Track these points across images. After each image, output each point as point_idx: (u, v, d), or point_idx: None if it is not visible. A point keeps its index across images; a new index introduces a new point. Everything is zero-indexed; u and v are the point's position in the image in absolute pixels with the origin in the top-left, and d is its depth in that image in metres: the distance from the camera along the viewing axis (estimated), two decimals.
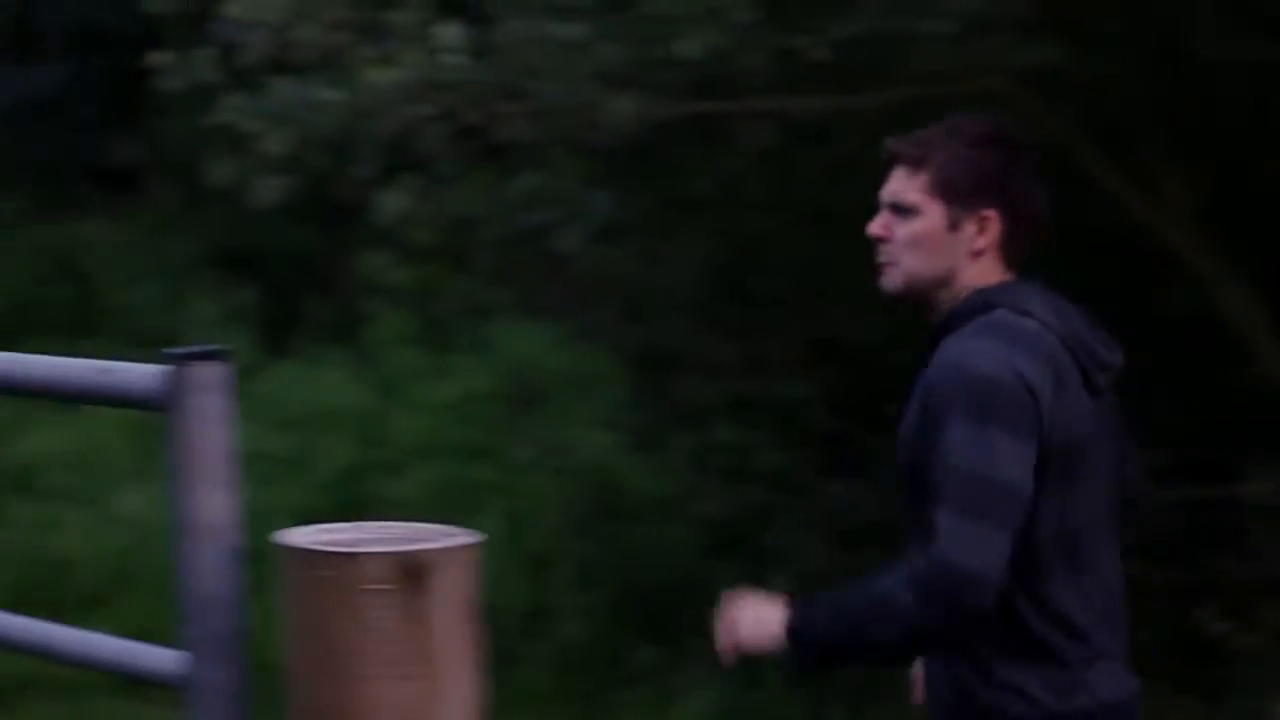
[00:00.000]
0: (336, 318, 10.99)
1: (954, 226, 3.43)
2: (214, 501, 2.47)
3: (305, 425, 9.64)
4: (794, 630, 3.31)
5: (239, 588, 2.56)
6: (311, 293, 11.50)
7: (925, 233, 3.44)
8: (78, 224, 12.18)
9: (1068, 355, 3.31)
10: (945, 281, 3.44)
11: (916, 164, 3.45)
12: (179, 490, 2.47)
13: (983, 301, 3.38)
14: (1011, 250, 3.42)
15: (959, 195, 3.41)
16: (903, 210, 3.45)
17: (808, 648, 3.32)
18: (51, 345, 9.87)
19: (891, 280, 3.48)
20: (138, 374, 2.46)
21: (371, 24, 5.18)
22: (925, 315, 3.50)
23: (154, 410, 2.45)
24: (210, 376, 2.41)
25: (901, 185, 3.46)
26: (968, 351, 3.28)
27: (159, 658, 2.73)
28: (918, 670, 3.60)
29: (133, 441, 9.71)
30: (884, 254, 3.49)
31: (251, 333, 10.89)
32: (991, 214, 3.39)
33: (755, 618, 3.36)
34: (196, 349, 2.39)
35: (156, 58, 4.12)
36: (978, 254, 3.41)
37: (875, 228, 3.51)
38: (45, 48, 12.47)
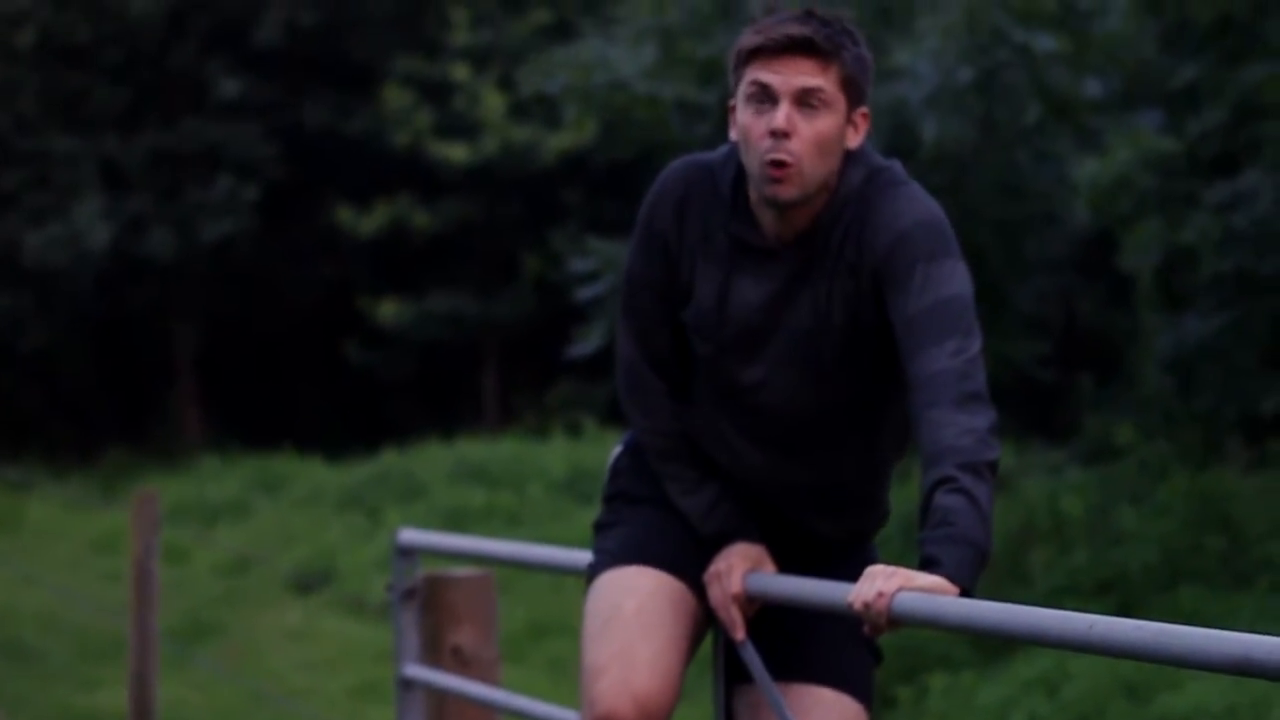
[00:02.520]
0: None
1: (844, 125, 3.32)
2: None
3: None
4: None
5: None
6: None
7: (830, 132, 3.25)
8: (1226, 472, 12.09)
9: None
10: (826, 184, 3.33)
11: (828, 57, 3.29)
12: None
13: (866, 170, 3.35)
14: None
15: (857, 95, 3.33)
16: (813, 105, 3.23)
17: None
18: (1204, 596, 9.87)
19: (791, 190, 3.27)
20: None
21: None
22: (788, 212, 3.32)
23: None
24: None
25: (817, 78, 3.29)
26: (912, 203, 3.31)
27: None
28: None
29: None
30: (785, 151, 3.23)
31: None
32: (866, 113, 3.34)
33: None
34: None
35: None
36: (849, 153, 3.35)
37: (780, 121, 3.22)
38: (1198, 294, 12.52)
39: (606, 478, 3.77)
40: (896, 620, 3.07)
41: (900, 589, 3.06)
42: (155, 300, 23.60)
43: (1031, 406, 14.34)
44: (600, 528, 3.70)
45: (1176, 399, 12.44)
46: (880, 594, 3.07)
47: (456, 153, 21.38)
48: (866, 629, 3.14)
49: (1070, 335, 14.43)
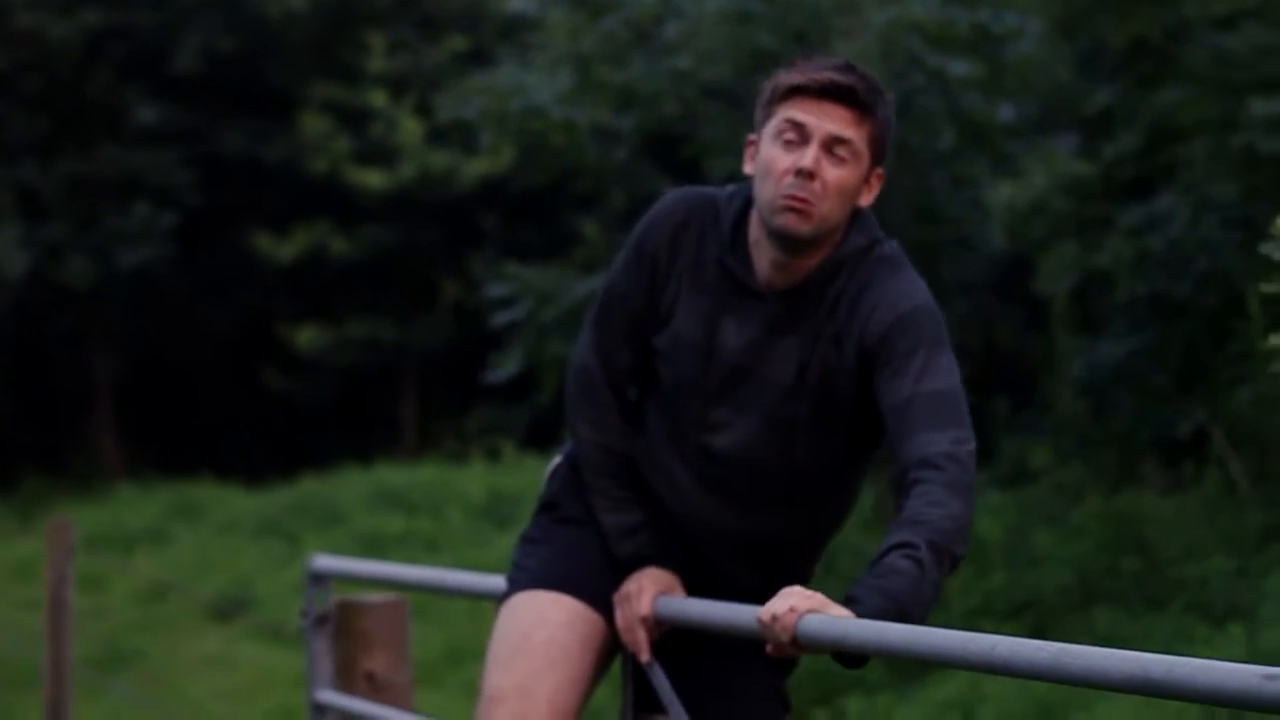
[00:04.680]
0: None
1: (863, 181, 3.36)
2: None
3: None
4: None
5: None
6: None
7: (851, 184, 3.30)
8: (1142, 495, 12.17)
9: None
10: (830, 237, 3.36)
11: (865, 112, 3.33)
12: None
13: (869, 240, 3.38)
14: None
15: (880, 154, 3.37)
16: (840, 155, 3.28)
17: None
18: (1120, 617, 9.93)
19: (805, 227, 3.29)
20: None
21: None
22: (791, 252, 3.34)
23: None
24: None
25: (850, 130, 3.31)
26: (914, 286, 3.33)
27: None
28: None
29: (1201, 717, 9.47)
30: (808, 191, 3.26)
31: None
32: (882, 174, 3.38)
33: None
34: None
35: (1275, 340, 4.01)
36: (856, 212, 3.38)
37: (810, 161, 3.26)
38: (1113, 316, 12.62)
39: (543, 484, 3.76)
40: (801, 642, 3.08)
41: (812, 610, 3.07)
42: (73, 328, 23.44)
43: None
44: (526, 541, 3.69)
45: (1092, 422, 12.53)
46: (792, 609, 3.07)
47: (374, 179, 21.35)
48: (769, 647, 3.12)
49: (987, 359, 14.50)
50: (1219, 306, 11.39)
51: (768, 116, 3.38)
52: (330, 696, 4.80)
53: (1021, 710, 8.65)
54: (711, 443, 3.47)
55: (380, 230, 22.35)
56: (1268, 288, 4.05)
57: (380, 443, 21.56)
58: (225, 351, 23.98)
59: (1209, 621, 9.56)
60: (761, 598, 3.24)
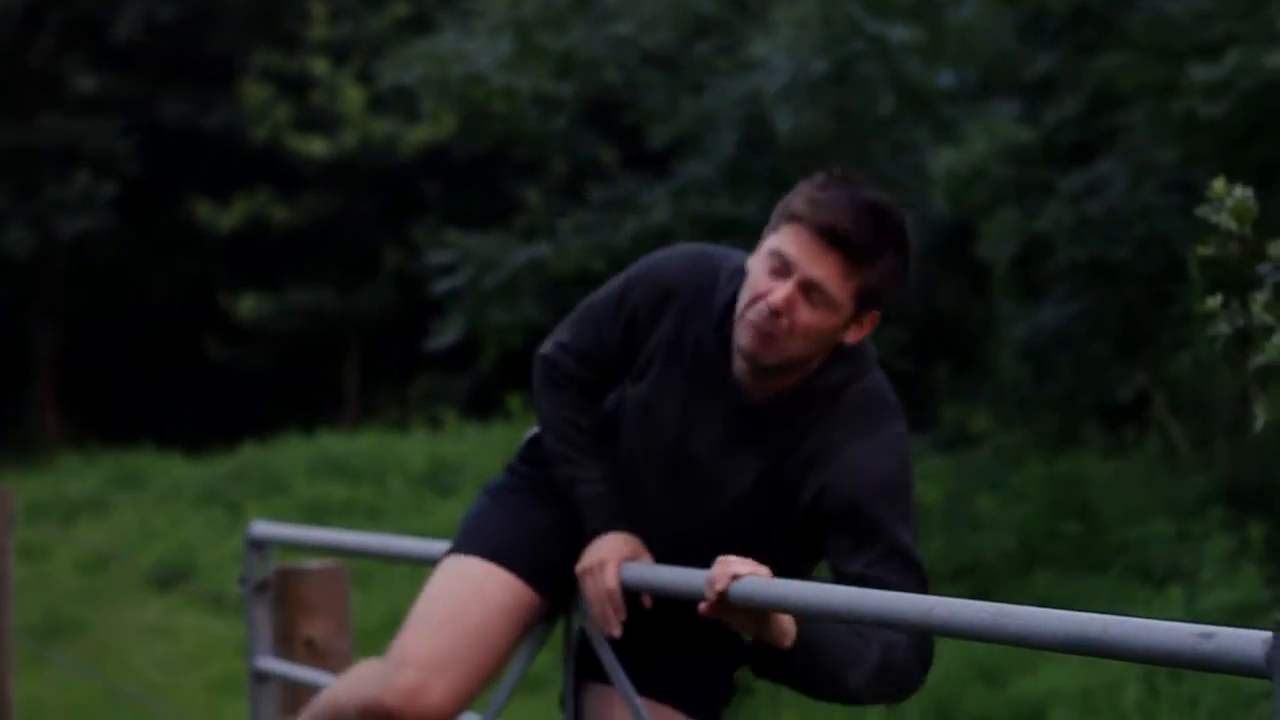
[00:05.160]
0: None
1: (847, 325, 3.22)
2: None
3: None
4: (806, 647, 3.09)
5: None
6: None
7: (823, 329, 3.19)
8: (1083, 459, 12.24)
9: None
10: (804, 364, 3.23)
11: (857, 264, 3.18)
12: None
13: (846, 377, 3.27)
14: None
15: (873, 302, 3.24)
16: (817, 302, 3.17)
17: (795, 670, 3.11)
18: (1060, 580, 9.98)
19: (768, 356, 3.20)
20: (1240, 640, 2.34)
21: None
22: (755, 375, 3.27)
23: (1258, 678, 2.32)
24: None
25: (833, 280, 3.17)
26: (886, 448, 3.22)
27: None
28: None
29: (1141, 680, 9.55)
30: (773, 326, 3.17)
31: (1261, 571, 10.55)
32: (876, 315, 3.27)
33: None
34: None
35: (1211, 303, 4.01)
36: (841, 345, 3.28)
37: (779, 300, 3.16)
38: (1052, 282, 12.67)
39: (521, 443, 3.69)
40: (734, 601, 3.06)
41: (753, 574, 3.07)
42: (13, 297, 23.27)
43: None
44: (491, 496, 3.64)
45: (1033, 386, 12.58)
46: (735, 575, 3.07)
47: (315, 147, 21.24)
48: (702, 606, 3.12)
49: (928, 324, 14.53)
50: (1159, 271, 11.44)
51: (774, 227, 3.27)
52: (270, 664, 4.79)
53: (964, 673, 8.69)
54: (650, 511, 3.45)
55: (321, 198, 22.25)
56: (1204, 250, 4.06)
57: (322, 411, 21.49)
58: (166, 320, 23.86)
59: (1149, 584, 9.62)
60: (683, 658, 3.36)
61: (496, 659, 3.51)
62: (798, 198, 3.23)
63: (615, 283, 3.48)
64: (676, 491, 3.40)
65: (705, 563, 3.21)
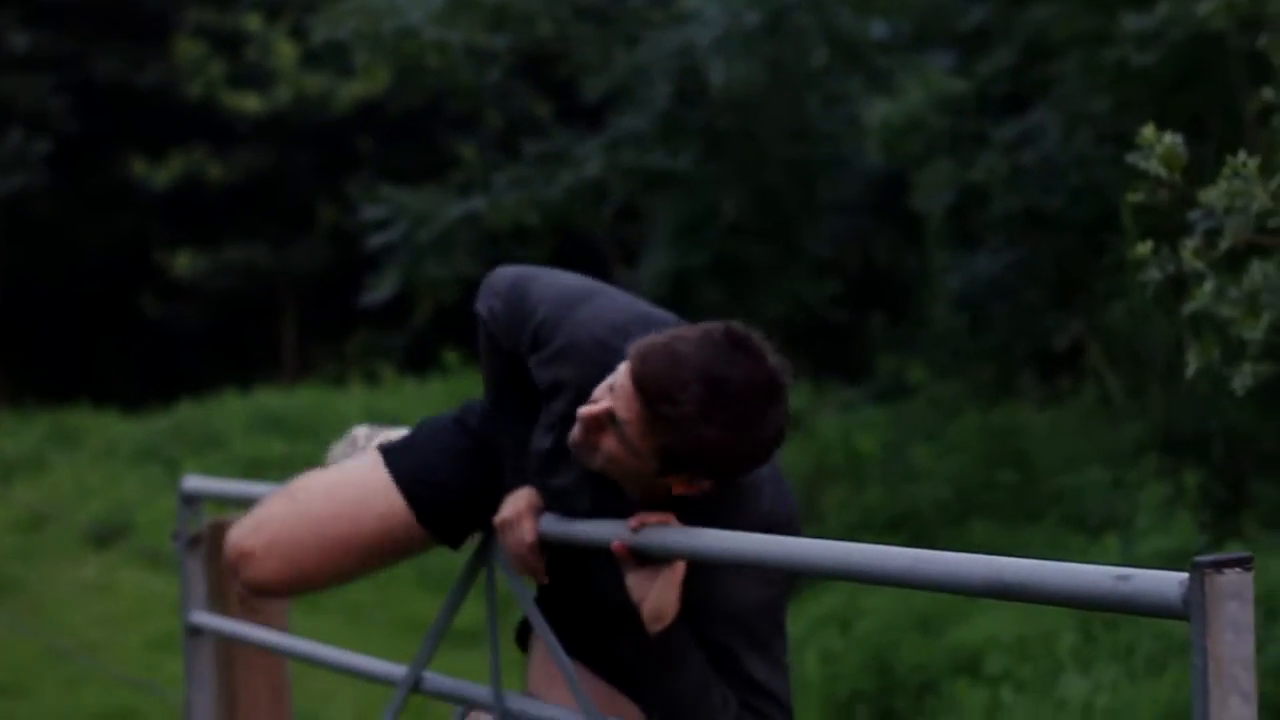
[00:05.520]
0: None
1: (663, 477, 3.02)
2: (1238, 715, 2.34)
3: None
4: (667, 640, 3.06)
5: None
6: (1262, 476, 11.13)
7: (630, 468, 3.02)
8: (1019, 408, 12.30)
9: None
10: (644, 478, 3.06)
11: (649, 412, 2.93)
12: (1201, 701, 2.35)
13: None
14: None
15: (679, 468, 2.99)
16: (620, 438, 2.99)
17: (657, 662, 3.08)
18: (997, 530, 10.04)
19: (588, 460, 3.06)
20: (1157, 581, 2.37)
21: None
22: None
23: (1175, 619, 2.35)
24: (1238, 584, 2.30)
25: (633, 426, 2.95)
26: (752, 582, 3.11)
27: None
28: None
29: (1077, 628, 9.62)
30: (582, 436, 3.02)
31: (1196, 517, 10.63)
32: (707, 484, 3.04)
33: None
34: (1223, 557, 2.29)
35: (1142, 249, 4.04)
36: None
37: (586, 414, 2.99)
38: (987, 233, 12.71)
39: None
40: (651, 547, 3.06)
41: (663, 523, 3.07)
42: None
43: (825, 346, 14.50)
44: (429, 425, 3.65)
45: (968, 337, 12.63)
46: (647, 522, 3.06)
47: (250, 103, 21.14)
48: (615, 543, 3.11)
49: (863, 275, 14.58)
50: (1093, 221, 11.49)
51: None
52: (204, 618, 4.78)
53: (900, 623, 8.74)
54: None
55: (256, 154, 22.14)
56: (1134, 197, 4.08)
57: (259, 367, 21.43)
58: (101, 278, 23.71)
59: (1085, 533, 9.68)
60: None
61: (342, 575, 3.59)
62: (665, 334, 2.99)
63: (552, 302, 3.29)
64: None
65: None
